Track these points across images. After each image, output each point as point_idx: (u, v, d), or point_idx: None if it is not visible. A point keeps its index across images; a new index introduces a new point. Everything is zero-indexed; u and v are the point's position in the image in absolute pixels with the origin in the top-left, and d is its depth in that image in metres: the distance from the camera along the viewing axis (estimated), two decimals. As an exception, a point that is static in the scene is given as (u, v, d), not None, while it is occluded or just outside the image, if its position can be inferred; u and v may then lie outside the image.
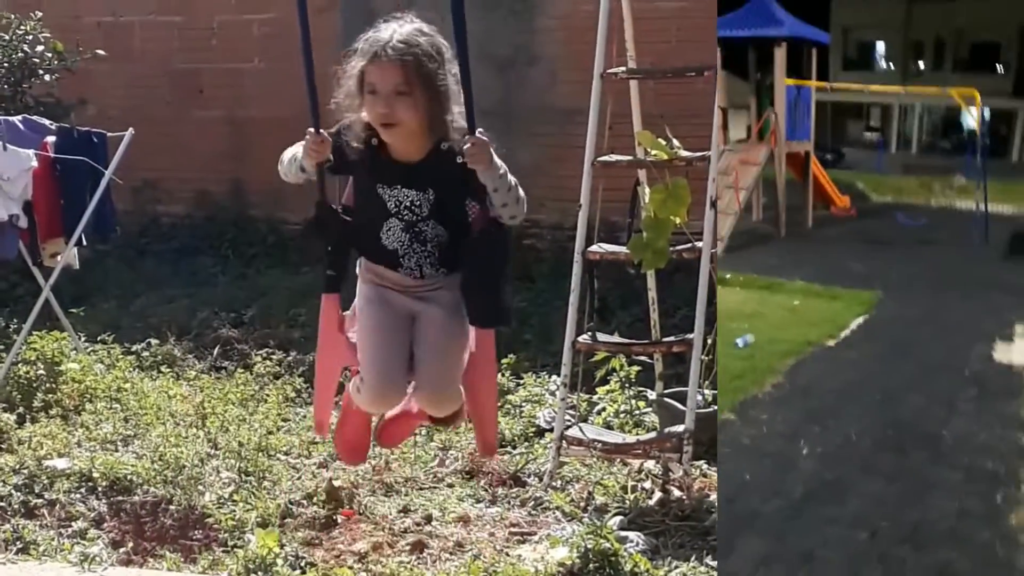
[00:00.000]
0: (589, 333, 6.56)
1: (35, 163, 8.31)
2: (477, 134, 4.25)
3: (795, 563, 4.91)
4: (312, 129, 4.37)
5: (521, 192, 4.46)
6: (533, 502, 6.31)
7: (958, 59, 30.25)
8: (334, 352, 4.73)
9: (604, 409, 7.48)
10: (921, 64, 30.95)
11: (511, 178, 4.42)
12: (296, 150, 4.47)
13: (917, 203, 20.34)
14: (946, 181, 21.99)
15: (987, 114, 17.96)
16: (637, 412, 7.39)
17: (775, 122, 14.10)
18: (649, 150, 6.39)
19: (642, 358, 7.47)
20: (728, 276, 10.92)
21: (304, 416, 7.66)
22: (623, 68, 6.68)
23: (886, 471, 6.09)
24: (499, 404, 7.65)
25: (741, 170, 13.35)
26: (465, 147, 4.24)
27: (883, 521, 5.34)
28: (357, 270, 4.69)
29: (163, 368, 8.86)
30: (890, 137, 30.41)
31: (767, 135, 14.29)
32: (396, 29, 4.31)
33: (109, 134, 8.94)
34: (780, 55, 13.82)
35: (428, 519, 6.04)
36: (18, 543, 5.70)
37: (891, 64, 31.90)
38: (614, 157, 6.59)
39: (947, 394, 7.53)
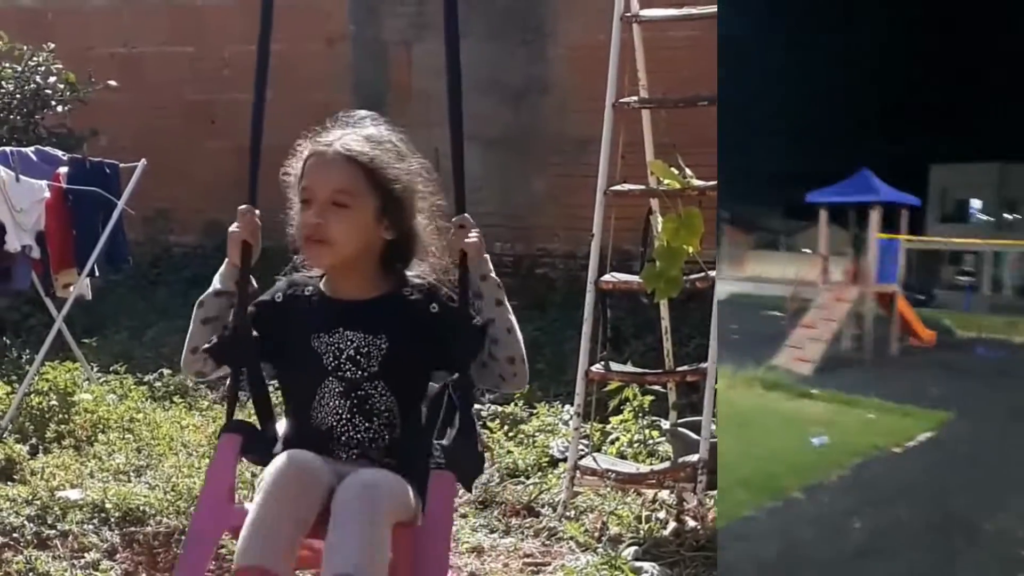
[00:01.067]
0: (602, 362, 6.55)
1: (48, 194, 8.33)
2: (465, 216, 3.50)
3: None
4: (243, 206, 3.79)
5: (520, 343, 3.52)
6: (547, 532, 6.28)
7: None
8: (215, 513, 3.49)
9: (618, 439, 7.44)
10: (1014, 216, 32.16)
11: (512, 320, 3.52)
12: (206, 294, 3.75)
13: (1000, 339, 20.78)
14: None
15: None
16: (651, 442, 7.36)
17: (866, 267, 15.70)
18: (662, 179, 6.38)
19: (656, 387, 7.44)
20: (815, 391, 11.53)
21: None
22: (635, 97, 6.68)
23: (927, 545, 6.42)
24: (512, 434, 7.68)
25: (834, 305, 14.86)
26: (452, 232, 3.50)
27: None
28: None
29: (175, 398, 8.87)
30: (981, 282, 31.39)
31: (859, 278, 15.77)
32: (353, 129, 3.62)
33: (121, 165, 8.96)
34: (874, 215, 15.38)
35: (442, 550, 6.00)
36: (31, 574, 5.68)
37: (986, 216, 33.20)
38: (627, 186, 6.58)
39: (997, 497, 7.71)
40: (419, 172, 3.62)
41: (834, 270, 16.87)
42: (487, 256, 3.49)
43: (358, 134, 3.55)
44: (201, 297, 3.67)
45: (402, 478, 3.34)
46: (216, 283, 3.69)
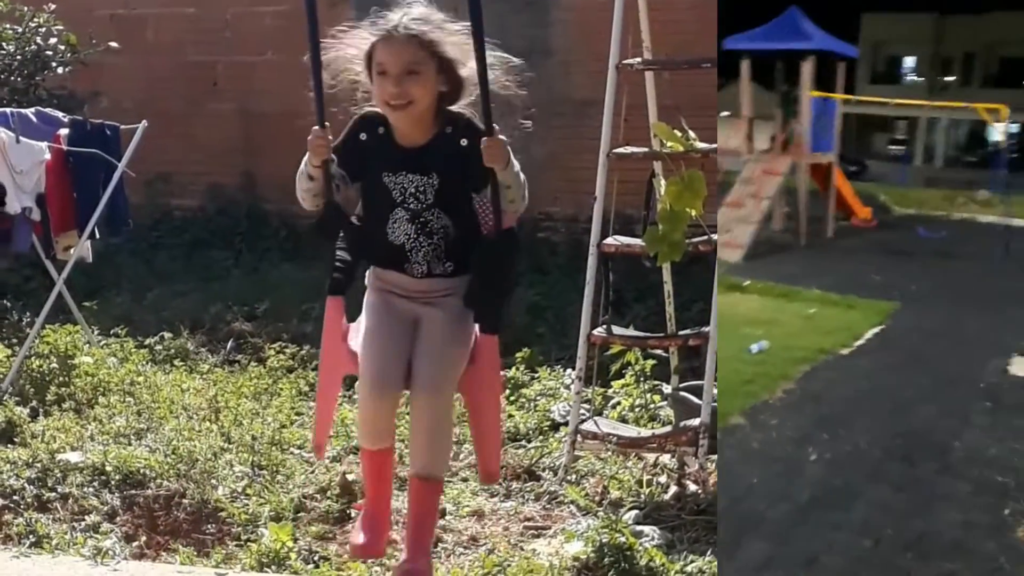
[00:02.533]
0: (604, 326, 6.52)
1: (48, 156, 8.31)
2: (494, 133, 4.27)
3: (798, 567, 4.97)
4: (317, 126, 4.34)
5: (525, 184, 4.49)
6: (548, 496, 6.27)
7: (987, 74, 30.52)
8: (336, 358, 4.69)
9: (619, 403, 7.44)
10: (949, 78, 31.20)
11: (521, 175, 4.43)
12: (302, 166, 4.45)
13: (939, 216, 20.41)
14: (969, 195, 22.05)
15: (1014, 128, 18.23)
16: (652, 406, 7.35)
17: (799, 133, 14.47)
18: (665, 142, 6.35)
19: (658, 352, 7.43)
20: (746, 283, 11.15)
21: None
22: (638, 59, 6.63)
23: (894, 480, 6.15)
24: (513, 398, 7.66)
25: (763, 180, 13.76)
26: (483, 146, 4.25)
27: (888, 529, 5.40)
28: (366, 281, 4.70)
29: (176, 362, 8.87)
30: (915, 151, 30.71)
31: (791, 146, 14.70)
32: (407, 10, 4.33)
33: (122, 127, 8.93)
34: (807, 68, 14.13)
35: (442, 513, 5.98)
36: (31, 536, 5.68)
37: (919, 78, 32.19)
38: (629, 149, 6.54)
39: (960, 406, 7.55)
40: (461, 33, 4.34)
41: (760, 137, 15.79)
42: (511, 161, 4.34)
43: (412, 15, 4.32)
44: (300, 171, 4.44)
45: (457, 329, 4.51)
46: (306, 171, 4.44)
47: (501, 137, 4.27)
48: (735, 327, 9.20)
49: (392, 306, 4.54)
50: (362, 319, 4.62)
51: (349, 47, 4.40)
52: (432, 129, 4.43)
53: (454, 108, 4.46)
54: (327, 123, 4.37)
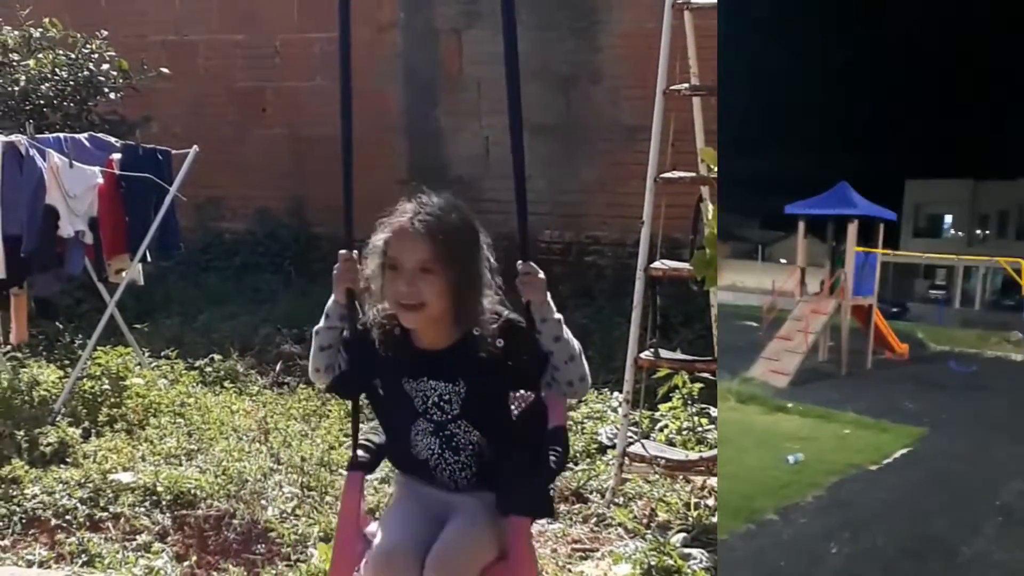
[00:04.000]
0: (651, 350, 6.54)
1: (101, 180, 8.39)
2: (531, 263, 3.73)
3: None
4: (343, 250, 3.95)
5: (585, 364, 3.89)
6: (595, 518, 6.29)
7: (1021, 228, 32.24)
8: (350, 547, 4.03)
9: (666, 426, 7.45)
10: (986, 232, 32.98)
11: (574, 342, 3.86)
12: (320, 324, 4.01)
13: (972, 353, 20.91)
14: (1004, 335, 22.66)
15: None
16: (700, 429, 7.36)
17: (844, 280, 15.94)
18: (712, 167, 6.37)
19: (705, 375, 7.43)
20: (790, 405, 11.71)
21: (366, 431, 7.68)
22: (686, 85, 6.65)
23: (903, 573, 6.41)
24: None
25: (812, 317, 15.11)
26: (519, 278, 3.74)
27: None
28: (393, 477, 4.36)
29: (226, 383, 8.93)
30: (953, 295, 32.05)
31: (837, 290, 16.06)
32: (425, 201, 3.81)
33: (173, 151, 9.00)
34: (852, 229, 15.77)
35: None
36: (83, 556, 5.74)
37: (959, 233, 34.01)
38: (677, 174, 6.56)
39: (973, 518, 7.77)
40: (478, 230, 3.86)
41: (811, 282, 17.33)
42: (548, 299, 3.77)
43: (430, 208, 3.80)
44: (316, 327, 4.01)
45: (486, 518, 3.85)
46: (326, 317, 4.02)
47: (537, 269, 3.73)
48: (777, 442, 9.61)
49: (422, 494, 4.00)
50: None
51: (370, 261, 3.88)
52: (455, 330, 3.88)
53: (487, 305, 3.88)
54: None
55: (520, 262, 3.74)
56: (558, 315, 3.80)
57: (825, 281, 16.94)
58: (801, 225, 16.94)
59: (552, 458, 3.86)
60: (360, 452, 4.07)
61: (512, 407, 3.94)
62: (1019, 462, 9.85)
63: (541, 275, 3.74)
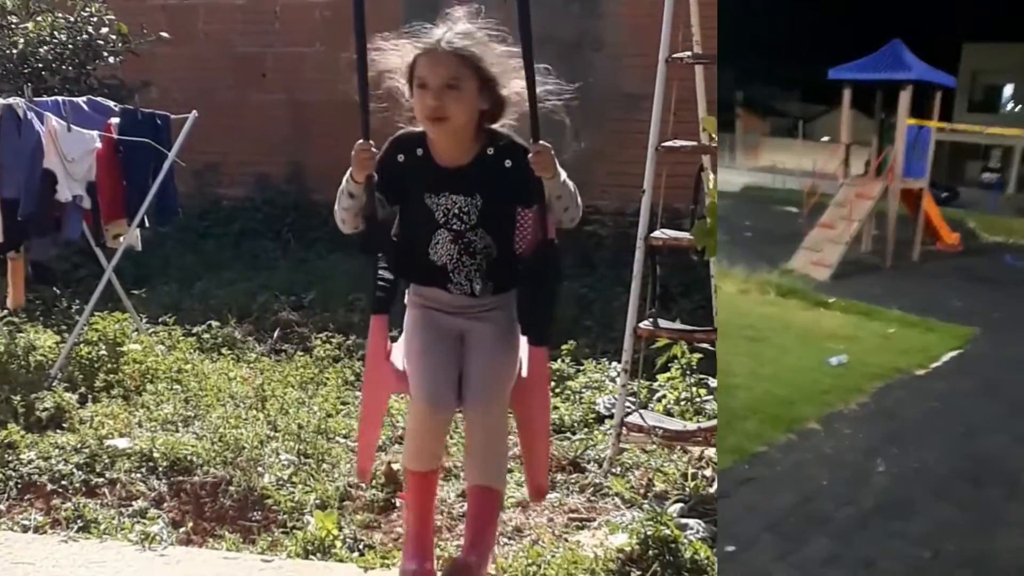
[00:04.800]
0: (650, 319, 6.51)
1: (99, 144, 8.35)
2: (540, 142, 4.25)
3: (858, 567, 5.02)
4: (361, 140, 4.32)
5: (577, 193, 4.48)
6: (592, 488, 6.27)
7: None
8: (381, 377, 4.65)
9: (665, 396, 7.43)
10: None
11: (570, 182, 4.42)
12: (342, 185, 4.45)
13: None
14: None
15: None
16: (698, 399, 7.34)
17: (893, 159, 14.66)
18: (713, 136, 6.33)
19: (704, 345, 7.40)
20: (831, 300, 11.15)
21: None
22: (688, 53, 6.60)
23: (958, 499, 6.11)
24: (559, 390, 7.66)
25: (856, 203, 14.01)
26: (530, 155, 4.23)
27: (949, 544, 5.37)
28: (405, 299, 4.72)
29: (223, 350, 8.93)
30: (1008, 179, 30.15)
31: (885, 171, 14.87)
32: (451, 25, 4.33)
33: (172, 116, 8.96)
34: (904, 97, 14.37)
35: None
36: (79, 521, 5.72)
37: (1018, 107, 31.71)
38: (678, 142, 6.51)
39: None
40: (504, 52, 4.35)
41: (856, 162, 16.12)
42: (558, 171, 4.30)
43: (456, 30, 4.32)
44: (340, 189, 4.46)
45: (505, 343, 4.53)
46: (347, 188, 4.43)
47: (548, 145, 4.24)
48: (818, 340, 9.28)
49: (437, 322, 4.55)
50: (405, 338, 4.64)
51: (392, 57, 4.39)
52: (473, 149, 4.42)
53: (496, 127, 4.46)
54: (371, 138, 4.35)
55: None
56: (563, 178, 4.36)
57: (872, 161, 15.90)
58: (846, 94, 15.72)
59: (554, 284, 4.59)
60: (379, 293, 4.51)
61: (520, 224, 4.58)
62: None
63: (548, 146, 4.24)
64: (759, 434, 6.70)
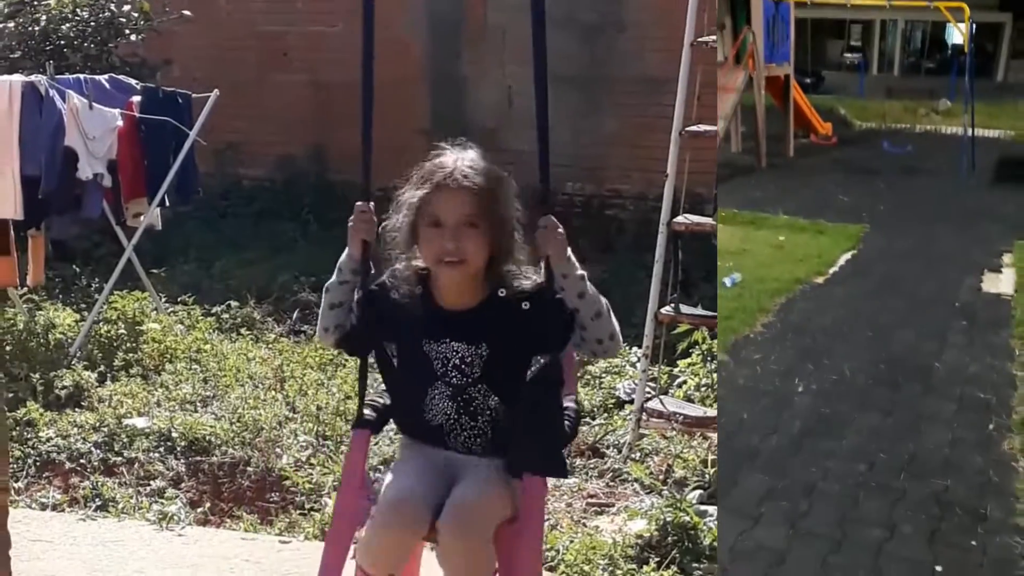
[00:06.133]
0: (672, 305, 6.47)
1: (120, 122, 8.33)
2: (548, 216, 3.62)
3: (798, 496, 5.04)
4: (360, 202, 3.84)
5: (614, 321, 3.78)
6: (611, 474, 6.27)
7: None
8: (352, 506, 3.87)
9: (685, 382, 7.38)
10: None
11: (600, 299, 3.75)
12: (332, 279, 3.89)
13: (902, 129, 19.89)
14: (931, 104, 21.46)
15: (974, 30, 16.94)
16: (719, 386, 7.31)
17: (753, 43, 13.42)
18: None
19: (725, 332, 7.37)
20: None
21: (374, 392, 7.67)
22: (714, 37, 6.57)
23: (881, 405, 6.24)
24: (579, 375, 7.63)
25: (718, 98, 12.82)
26: (537, 232, 3.64)
27: (880, 453, 5.52)
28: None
29: (243, 330, 8.91)
30: (872, 58, 29.61)
31: (744, 58, 13.60)
32: (459, 155, 3.73)
33: (194, 95, 8.95)
34: None
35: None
36: (97, 500, 5.73)
37: None
38: (702, 127, 6.47)
39: (937, 327, 7.65)
40: (512, 183, 3.79)
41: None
42: (570, 254, 3.65)
43: (467, 161, 3.73)
44: (327, 284, 3.89)
45: (499, 477, 3.73)
46: (339, 272, 3.89)
47: (555, 221, 3.62)
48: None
49: (430, 451, 3.88)
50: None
51: (400, 217, 3.77)
52: (482, 291, 3.79)
53: (509, 268, 3.80)
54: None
55: (541, 216, 3.62)
56: (580, 271, 3.68)
57: (728, 47, 13.86)
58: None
59: (567, 422, 3.81)
60: (367, 411, 3.96)
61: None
62: (965, 253, 9.63)
63: (561, 229, 3.62)
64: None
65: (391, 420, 4.07)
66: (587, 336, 3.73)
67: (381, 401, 4.01)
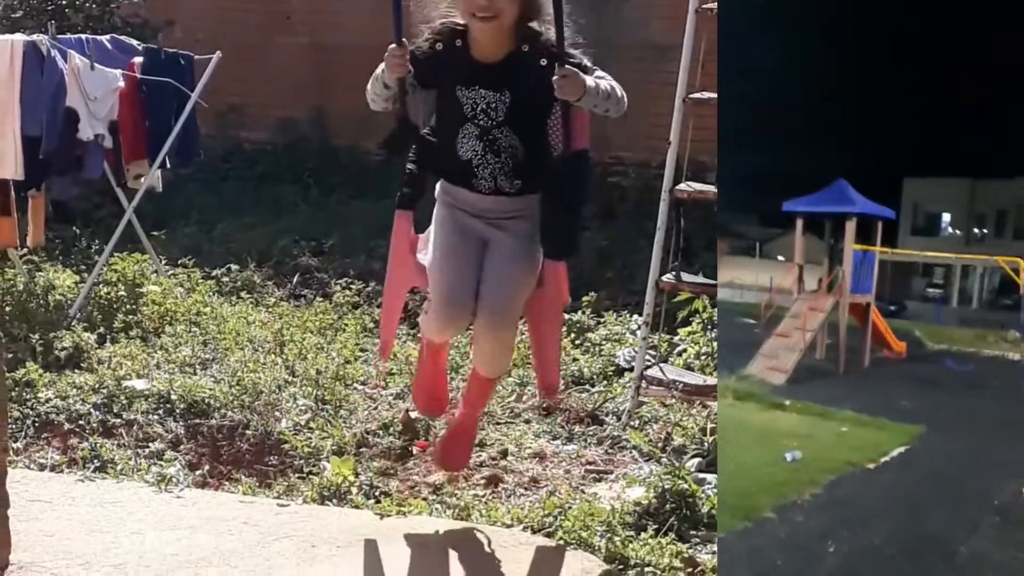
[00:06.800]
0: (673, 272, 6.46)
1: (122, 83, 8.30)
2: (566, 67, 4.24)
3: None
4: (394, 43, 4.32)
5: (620, 90, 4.47)
6: (610, 441, 6.25)
7: (1018, 227, 32.12)
8: (403, 272, 4.78)
9: (685, 350, 7.39)
10: (984, 231, 32.88)
11: (604, 84, 4.41)
12: (379, 71, 4.42)
13: (969, 352, 20.96)
14: (1001, 334, 22.64)
15: None
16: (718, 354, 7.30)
17: (842, 278, 15.86)
18: (741, 88, 6.25)
19: (725, 300, 7.37)
20: (787, 402, 11.60)
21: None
22: (715, 3, 6.53)
23: (902, 571, 6.32)
24: (579, 342, 7.63)
25: (809, 315, 15.09)
26: (554, 79, 4.23)
27: None
28: (435, 194, 4.76)
29: (243, 294, 8.92)
30: (951, 294, 31.98)
31: (835, 288, 15.97)
32: None
33: (196, 57, 8.91)
34: (850, 227, 15.71)
35: (504, 454, 5.99)
36: (96, 461, 5.71)
37: (956, 231, 33.92)
38: (706, 94, 6.44)
39: (971, 518, 7.73)
40: None
41: (809, 279, 17.39)
42: (586, 89, 4.27)
43: None
44: (375, 75, 4.45)
45: (523, 250, 4.60)
46: (382, 79, 4.43)
47: (573, 70, 4.26)
48: (775, 439, 9.51)
49: (462, 225, 4.62)
50: (430, 232, 4.75)
51: None
52: (509, 45, 4.42)
53: (532, 25, 4.44)
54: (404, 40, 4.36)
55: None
56: (592, 84, 4.30)
57: (823, 278, 16.99)
58: (799, 222, 16.97)
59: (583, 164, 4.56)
60: (405, 189, 4.65)
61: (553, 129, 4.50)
62: (1015, 462, 9.89)
63: (574, 70, 4.24)
64: (719, 524, 6.81)
65: (424, 191, 4.71)
66: (595, 109, 4.40)
67: (415, 172, 4.64)
